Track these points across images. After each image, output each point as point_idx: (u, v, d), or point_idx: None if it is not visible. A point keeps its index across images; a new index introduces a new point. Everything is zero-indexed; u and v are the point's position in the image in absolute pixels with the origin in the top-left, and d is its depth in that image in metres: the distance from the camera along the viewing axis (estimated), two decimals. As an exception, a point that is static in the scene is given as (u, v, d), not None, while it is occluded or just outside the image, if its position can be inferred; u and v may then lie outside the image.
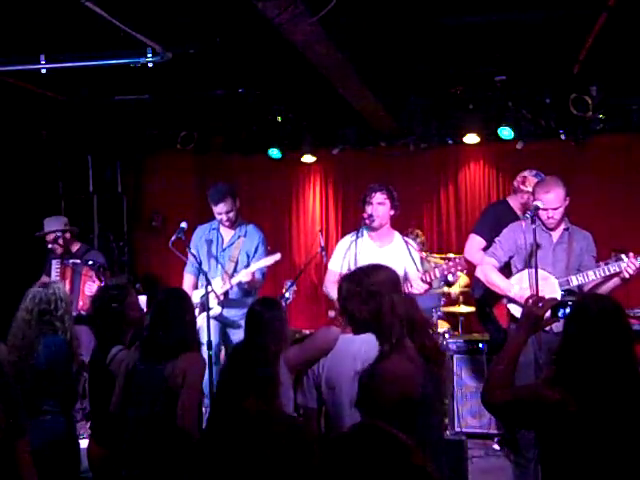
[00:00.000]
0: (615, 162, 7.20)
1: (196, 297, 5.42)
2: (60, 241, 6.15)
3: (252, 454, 2.58)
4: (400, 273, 4.90)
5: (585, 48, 5.53)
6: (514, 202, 5.64)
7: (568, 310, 2.78)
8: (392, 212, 5.12)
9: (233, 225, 5.68)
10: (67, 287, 5.98)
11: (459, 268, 4.78)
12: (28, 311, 3.98)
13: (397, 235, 5.22)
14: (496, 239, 4.98)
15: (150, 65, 4.94)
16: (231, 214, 5.61)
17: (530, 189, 5.42)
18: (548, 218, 4.60)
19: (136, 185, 8.53)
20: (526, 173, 5.57)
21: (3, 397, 2.87)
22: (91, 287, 5.86)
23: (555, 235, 4.68)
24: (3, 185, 7.09)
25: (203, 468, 2.73)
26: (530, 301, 2.91)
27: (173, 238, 5.26)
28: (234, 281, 5.51)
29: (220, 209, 5.59)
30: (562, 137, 7.03)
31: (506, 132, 6.97)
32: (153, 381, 3.53)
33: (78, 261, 6.07)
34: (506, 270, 4.89)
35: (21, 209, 7.26)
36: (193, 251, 5.60)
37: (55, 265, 6.16)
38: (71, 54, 5.02)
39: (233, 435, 2.68)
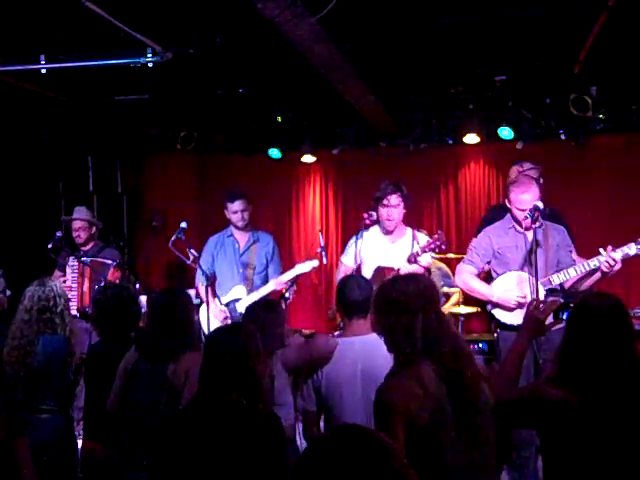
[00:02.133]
0: (615, 162, 7.19)
1: (240, 307, 5.46)
2: (83, 233, 6.22)
3: (227, 445, 2.56)
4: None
5: (585, 48, 5.52)
6: None
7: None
8: (404, 211, 5.19)
9: (247, 227, 5.76)
10: (86, 285, 6.04)
11: (438, 243, 4.82)
12: (27, 310, 3.99)
13: (409, 231, 5.28)
14: (471, 245, 4.97)
15: (150, 65, 4.95)
16: (246, 213, 5.76)
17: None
18: (526, 218, 4.57)
19: (136, 185, 8.53)
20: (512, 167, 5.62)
21: (2, 396, 2.87)
22: None
23: (529, 235, 4.63)
24: (3, 185, 7.09)
25: (176, 458, 2.70)
26: (531, 305, 2.89)
27: (173, 238, 5.28)
28: (265, 290, 5.54)
29: (237, 207, 5.73)
30: (562, 137, 7.03)
31: (506, 132, 6.96)
32: (155, 381, 3.52)
33: (108, 261, 6.12)
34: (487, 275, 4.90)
35: (21, 209, 7.26)
36: (205, 262, 5.63)
37: (71, 262, 6.17)
38: (71, 54, 5.02)
39: (211, 424, 2.64)
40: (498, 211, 5.76)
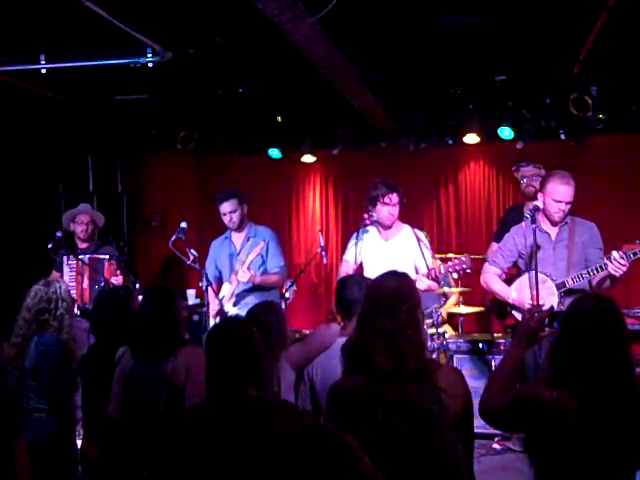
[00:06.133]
0: (615, 162, 7.19)
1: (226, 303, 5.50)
2: (90, 227, 6.25)
3: (256, 442, 2.54)
4: (410, 266, 4.96)
5: (585, 48, 5.52)
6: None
7: None
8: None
9: (239, 228, 5.66)
10: (85, 283, 6.03)
11: (464, 267, 4.75)
12: (28, 309, 3.99)
13: (406, 228, 5.23)
14: (498, 245, 4.97)
15: (150, 65, 4.95)
16: (235, 215, 5.58)
17: (519, 176, 5.45)
18: (559, 211, 4.51)
19: (136, 185, 8.54)
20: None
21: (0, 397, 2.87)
22: (118, 281, 5.90)
23: (553, 233, 4.62)
24: (3, 185, 7.09)
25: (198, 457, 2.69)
26: (526, 315, 2.86)
27: (173, 238, 5.27)
28: (235, 282, 5.52)
29: (224, 209, 5.59)
30: (562, 137, 7.03)
31: (506, 132, 6.97)
32: (153, 380, 3.50)
33: (101, 257, 6.11)
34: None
35: (21, 209, 7.27)
36: (209, 268, 5.63)
37: (70, 260, 6.16)
38: (71, 54, 5.02)
39: (235, 422, 2.63)
40: (514, 212, 5.76)
